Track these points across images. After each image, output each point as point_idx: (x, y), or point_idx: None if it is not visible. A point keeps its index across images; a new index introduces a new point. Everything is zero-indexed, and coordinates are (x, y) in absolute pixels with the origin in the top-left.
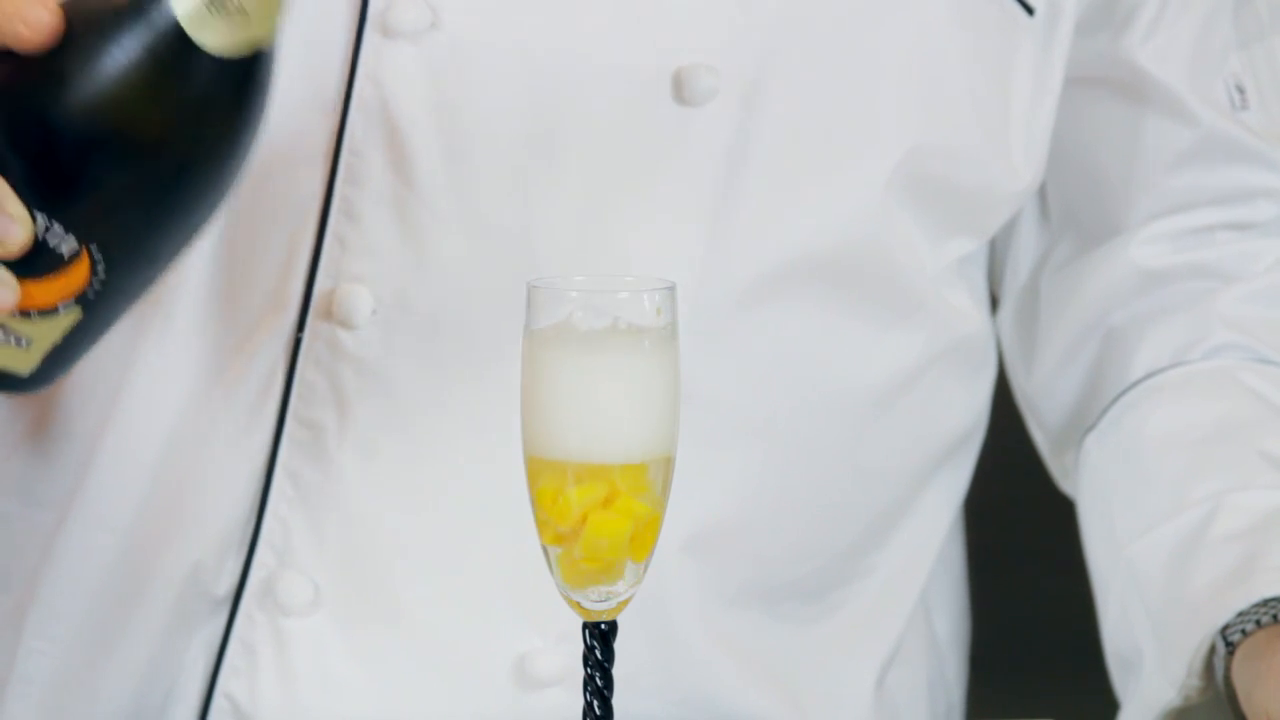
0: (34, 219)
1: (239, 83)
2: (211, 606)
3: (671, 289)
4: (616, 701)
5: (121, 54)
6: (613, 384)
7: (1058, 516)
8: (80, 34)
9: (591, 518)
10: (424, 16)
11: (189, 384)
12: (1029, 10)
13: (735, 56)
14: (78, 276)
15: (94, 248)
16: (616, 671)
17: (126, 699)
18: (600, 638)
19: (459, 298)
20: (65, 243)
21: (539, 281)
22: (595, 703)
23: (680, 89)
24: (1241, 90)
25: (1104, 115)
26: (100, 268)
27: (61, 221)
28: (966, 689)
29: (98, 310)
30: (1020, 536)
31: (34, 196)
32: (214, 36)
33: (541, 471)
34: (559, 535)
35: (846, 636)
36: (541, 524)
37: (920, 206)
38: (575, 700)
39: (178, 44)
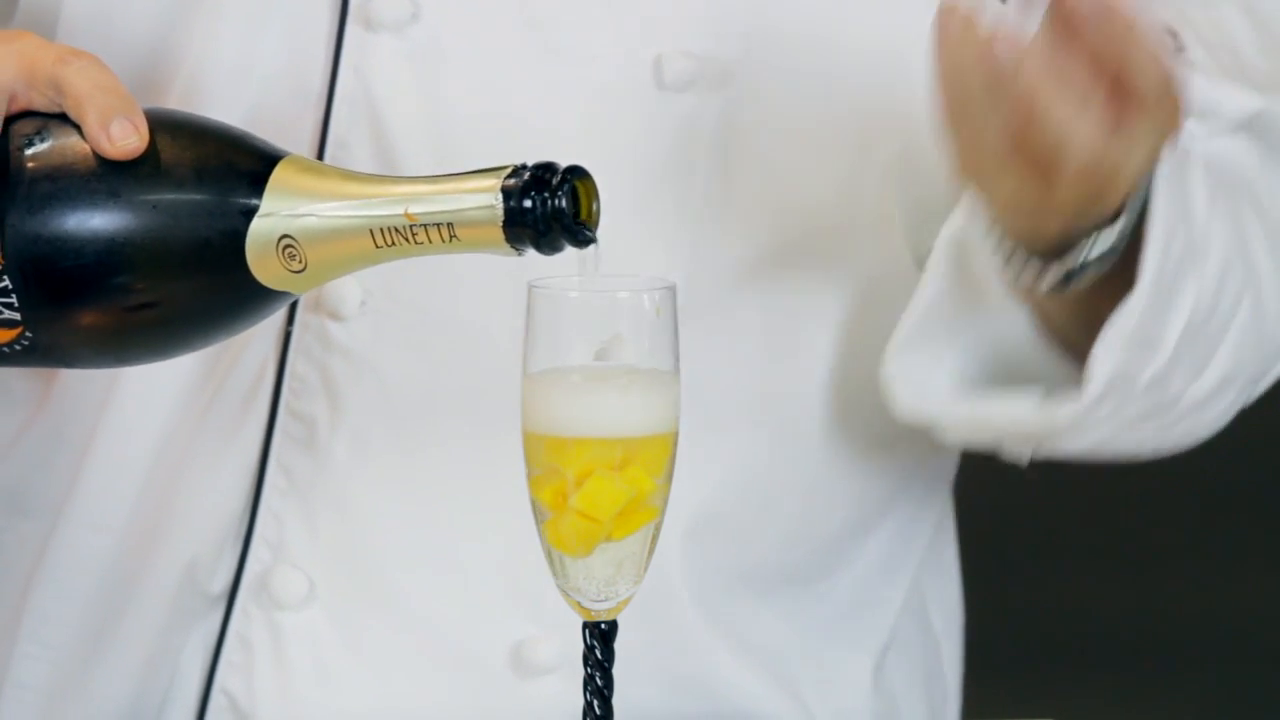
0: (0, 276)
1: (255, 301)
2: (207, 603)
3: (671, 289)
4: (615, 688)
5: (177, 219)
6: (615, 414)
7: (1055, 516)
8: (153, 171)
9: (599, 471)
10: (404, 9)
11: (180, 381)
12: None
13: (715, 42)
14: None
15: (28, 332)
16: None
17: (124, 699)
18: (600, 637)
19: (447, 287)
20: (8, 310)
21: (539, 282)
22: (595, 702)
23: (661, 75)
24: (1173, 34)
25: None
26: (19, 346)
27: (20, 297)
28: (963, 681)
29: None
30: (1017, 537)
31: (13, 262)
32: (263, 269)
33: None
34: (558, 489)
35: (839, 623)
36: (538, 481)
37: (907, 188)
38: (572, 688)
39: (229, 249)
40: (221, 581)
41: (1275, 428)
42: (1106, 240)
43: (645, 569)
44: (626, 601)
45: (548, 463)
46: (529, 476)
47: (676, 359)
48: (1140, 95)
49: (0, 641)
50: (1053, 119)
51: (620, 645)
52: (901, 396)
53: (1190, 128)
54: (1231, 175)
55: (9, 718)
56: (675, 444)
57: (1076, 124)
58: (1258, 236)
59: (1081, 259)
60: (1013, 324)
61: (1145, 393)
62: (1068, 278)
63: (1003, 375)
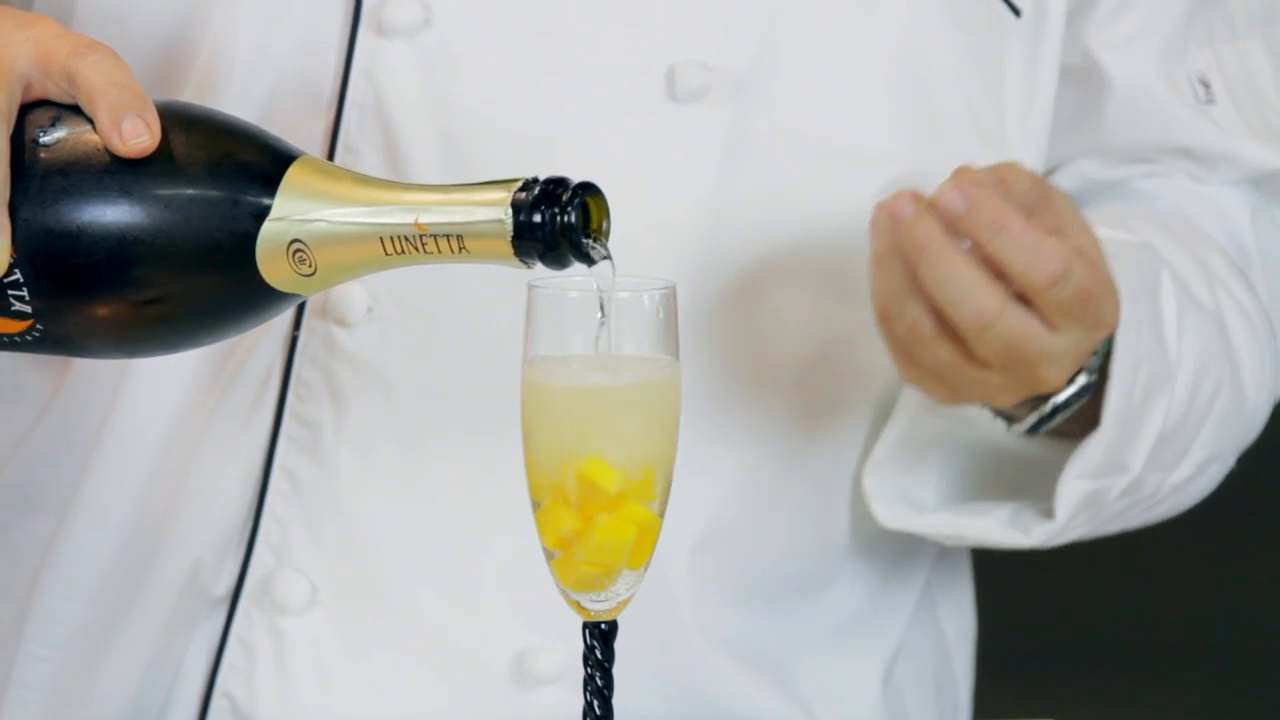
0: (12, 269)
1: (262, 301)
2: (210, 606)
3: (671, 289)
4: (617, 700)
5: (188, 219)
6: (615, 410)
7: None
8: (165, 169)
9: (598, 523)
10: (417, 14)
11: (186, 384)
12: (1016, 12)
13: (728, 54)
14: (4, 327)
15: (39, 324)
16: (617, 670)
17: (126, 700)
18: (600, 637)
19: (454, 294)
20: (19, 303)
21: (539, 282)
22: (595, 703)
23: (673, 86)
24: (1206, 85)
25: (1063, 100)
26: (29, 336)
27: (31, 289)
28: (973, 688)
29: None
30: None
31: (24, 255)
32: (272, 271)
33: (545, 479)
34: (561, 539)
35: (847, 632)
36: (543, 526)
37: None
38: (574, 698)
39: (239, 251)
40: (224, 584)
41: (1275, 428)
42: (1069, 393)
43: (644, 573)
44: (626, 602)
45: (542, 509)
46: (536, 508)
47: (677, 358)
48: (1039, 298)
49: (5, 640)
50: (960, 300)
51: (623, 657)
52: (879, 511)
53: (1197, 172)
54: (1212, 249)
55: (13, 717)
56: (672, 466)
57: (983, 302)
58: (1235, 315)
59: (1051, 406)
60: (992, 428)
61: (1119, 499)
62: (1039, 423)
63: (988, 471)
